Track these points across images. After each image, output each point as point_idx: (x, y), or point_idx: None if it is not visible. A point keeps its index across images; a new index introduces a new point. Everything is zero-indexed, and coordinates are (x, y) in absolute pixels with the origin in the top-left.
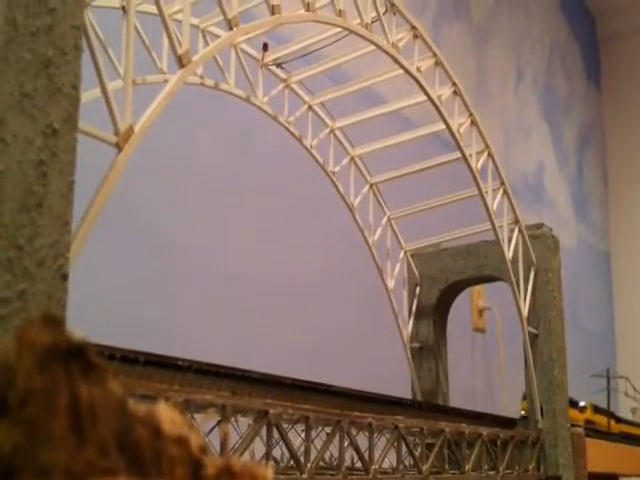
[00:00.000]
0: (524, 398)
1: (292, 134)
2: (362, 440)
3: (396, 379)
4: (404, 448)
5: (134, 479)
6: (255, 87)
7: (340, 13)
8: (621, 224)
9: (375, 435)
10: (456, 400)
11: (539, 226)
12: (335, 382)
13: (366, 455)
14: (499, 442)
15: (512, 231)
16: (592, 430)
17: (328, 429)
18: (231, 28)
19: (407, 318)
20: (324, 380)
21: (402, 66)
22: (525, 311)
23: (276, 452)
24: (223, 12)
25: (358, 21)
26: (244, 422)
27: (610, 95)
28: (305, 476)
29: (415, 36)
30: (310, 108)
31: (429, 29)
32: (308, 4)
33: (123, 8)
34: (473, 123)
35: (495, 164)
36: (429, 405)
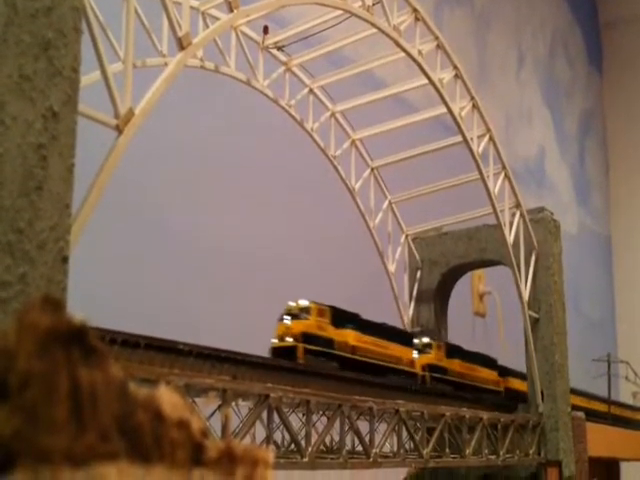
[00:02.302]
0: (280, 319)
1: (293, 117)
2: (363, 425)
3: None
4: (405, 432)
5: (135, 463)
6: (256, 70)
7: None
8: (622, 209)
9: (376, 419)
10: None
11: (540, 210)
12: None
13: (367, 439)
14: (500, 426)
15: (513, 215)
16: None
17: (329, 413)
18: (231, 10)
19: (408, 302)
20: None
21: (404, 49)
22: (526, 295)
23: (277, 436)
24: None
25: (359, 4)
26: (245, 406)
27: (612, 80)
28: (306, 460)
29: (417, 19)
30: (311, 91)
31: (430, 14)
32: None
33: None
34: (475, 107)
35: (496, 148)
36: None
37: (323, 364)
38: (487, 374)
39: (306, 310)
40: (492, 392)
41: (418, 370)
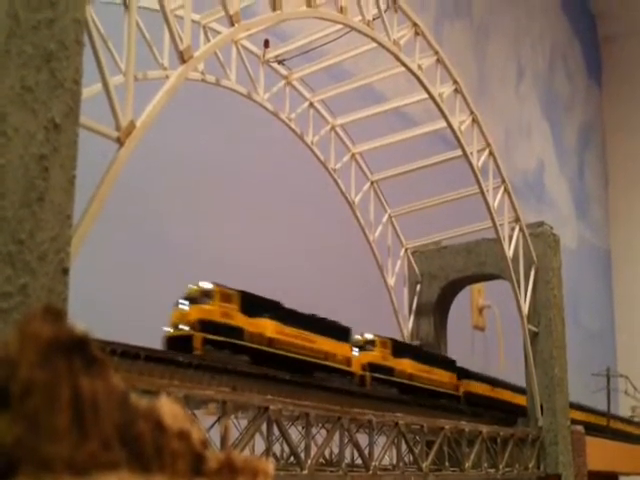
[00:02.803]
0: (176, 305)
1: (293, 131)
2: (362, 437)
3: None
4: (404, 445)
5: (136, 473)
6: (256, 84)
7: (342, 10)
8: (622, 222)
9: (375, 432)
10: None
11: (540, 224)
12: None
13: (366, 452)
14: (499, 440)
15: (513, 229)
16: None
17: (328, 426)
18: (232, 24)
19: (407, 315)
20: None
21: (403, 63)
22: (525, 309)
23: (276, 449)
24: (224, 8)
25: (360, 18)
26: (244, 418)
27: (611, 94)
28: (305, 472)
29: (416, 33)
30: (311, 105)
31: (430, 27)
32: (309, 0)
33: (125, 3)
34: (474, 121)
35: (496, 162)
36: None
37: (228, 358)
38: (443, 376)
39: (208, 294)
40: (448, 396)
41: (356, 369)
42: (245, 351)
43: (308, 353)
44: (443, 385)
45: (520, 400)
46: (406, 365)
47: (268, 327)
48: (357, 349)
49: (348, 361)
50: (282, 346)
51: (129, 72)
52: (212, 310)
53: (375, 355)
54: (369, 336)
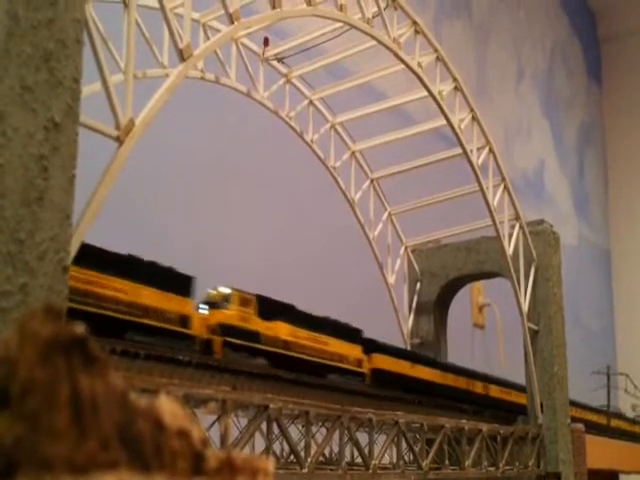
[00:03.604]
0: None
1: (293, 129)
2: (362, 436)
3: None
4: (404, 444)
5: (135, 472)
6: (256, 82)
7: (341, 8)
8: (622, 222)
9: (375, 431)
10: None
11: (540, 222)
12: None
13: (366, 450)
14: (499, 438)
15: (513, 227)
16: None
17: (328, 424)
18: (232, 22)
19: (407, 314)
20: None
21: (403, 61)
22: (525, 307)
23: (276, 447)
24: (224, 6)
25: (359, 16)
26: (244, 417)
27: (611, 93)
28: (305, 471)
29: (416, 31)
30: (311, 103)
31: (430, 26)
32: None
33: (124, 2)
34: (474, 119)
35: (496, 160)
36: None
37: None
38: (341, 348)
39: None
40: (347, 373)
41: (200, 332)
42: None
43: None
44: (340, 359)
45: (461, 383)
46: (280, 330)
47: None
48: (205, 306)
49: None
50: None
51: (129, 71)
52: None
53: (230, 314)
54: (225, 290)
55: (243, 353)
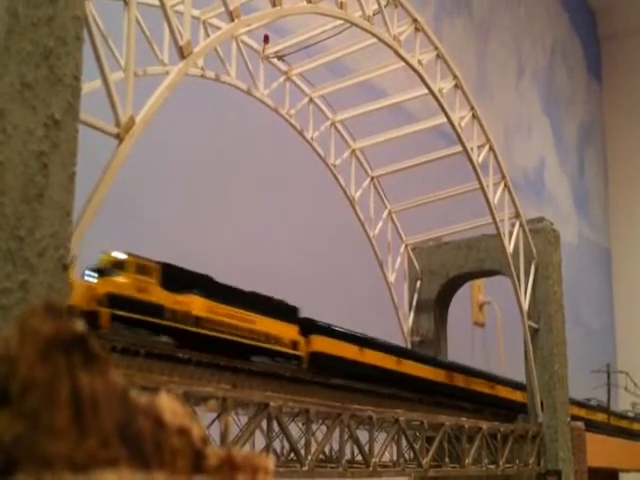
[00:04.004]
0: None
1: (293, 126)
2: (362, 434)
3: None
4: (404, 441)
5: (136, 470)
6: (256, 79)
7: (341, 5)
8: (622, 220)
9: (375, 428)
10: None
11: (540, 220)
12: None
13: (366, 448)
14: (499, 436)
15: (513, 225)
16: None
17: (328, 422)
18: (232, 20)
19: (408, 312)
20: None
21: (404, 59)
22: (526, 305)
23: (276, 445)
24: (224, 3)
25: (360, 13)
26: (244, 415)
27: (611, 91)
28: (305, 469)
29: (417, 29)
30: (311, 101)
31: (430, 24)
32: None
33: None
34: (474, 117)
35: (496, 158)
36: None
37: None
38: (272, 328)
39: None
40: (281, 356)
41: (83, 303)
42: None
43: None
44: (270, 340)
45: (422, 372)
46: (193, 304)
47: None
48: (94, 274)
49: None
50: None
51: (129, 68)
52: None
53: (121, 283)
54: (120, 255)
55: (141, 329)
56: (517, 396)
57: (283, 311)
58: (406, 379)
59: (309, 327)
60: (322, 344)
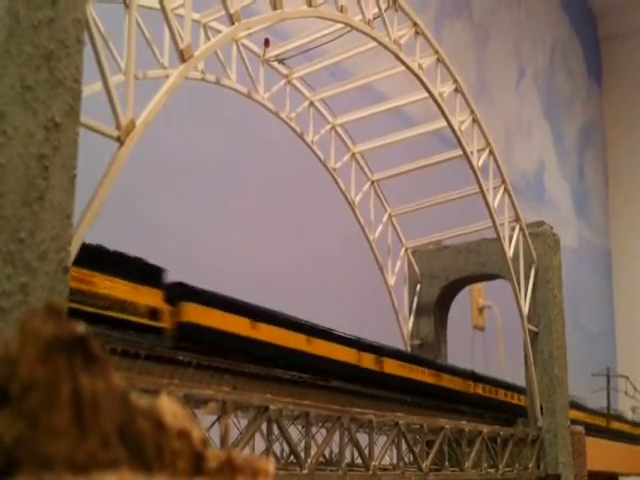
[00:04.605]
0: None
1: (293, 130)
2: (362, 437)
3: None
4: (404, 445)
5: (136, 472)
6: (256, 83)
7: (342, 9)
8: (622, 223)
9: (375, 432)
10: None
11: (540, 224)
12: None
13: (366, 452)
14: (499, 440)
15: (513, 229)
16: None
17: (328, 425)
18: (232, 23)
19: (407, 315)
20: None
21: (404, 63)
22: (526, 309)
23: (276, 448)
24: (225, 7)
25: (360, 17)
26: (244, 417)
27: (611, 94)
28: (305, 472)
29: (417, 33)
30: (311, 104)
31: (430, 27)
32: (310, 0)
33: (125, 2)
34: (474, 120)
35: (496, 162)
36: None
37: None
38: (122, 292)
39: None
40: (133, 327)
41: None
42: None
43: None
44: (116, 306)
45: (340, 354)
46: None
47: None
48: None
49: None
50: None
51: (129, 71)
52: None
53: None
54: None
55: None
56: (444, 380)
57: (140, 272)
58: (317, 362)
59: (179, 293)
60: (195, 314)
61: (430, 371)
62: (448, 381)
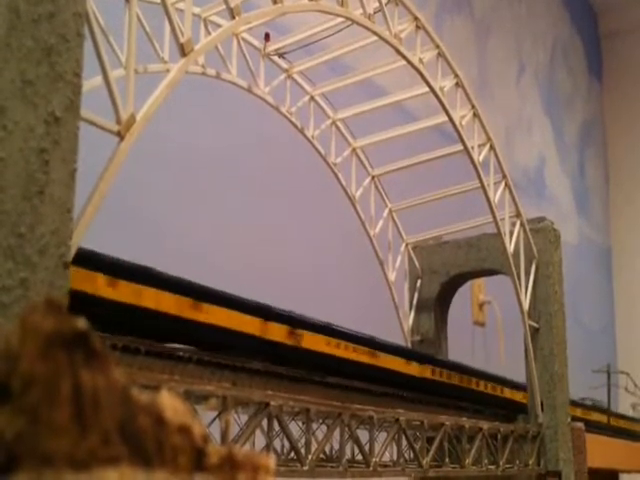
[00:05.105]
0: None
1: (294, 125)
2: (362, 433)
3: None
4: (404, 441)
5: (137, 468)
6: (257, 77)
7: (342, 3)
8: (622, 220)
9: (376, 428)
10: None
11: (540, 219)
12: None
13: (367, 448)
14: (499, 436)
15: (513, 224)
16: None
17: (329, 421)
18: (233, 17)
19: (408, 311)
20: None
21: (404, 57)
22: (526, 305)
23: (276, 444)
24: (225, 1)
25: (360, 11)
26: (244, 413)
27: (612, 90)
28: (306, 468)
29: (417, 27)
30: (312, 99)
31: (431, 22)
32: None
33: None
34: (475, 115)
35: (497, 157)
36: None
37: None
38: None
39: None
40: None
41: None
42: None
43: None
44: None
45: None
46: None
47: None
48: None
49: None
50: None
51: (130, 65)
52: None
53: None
54: None
55: None
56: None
57: None
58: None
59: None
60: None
61: (364, 348)
62: (385, 361)
